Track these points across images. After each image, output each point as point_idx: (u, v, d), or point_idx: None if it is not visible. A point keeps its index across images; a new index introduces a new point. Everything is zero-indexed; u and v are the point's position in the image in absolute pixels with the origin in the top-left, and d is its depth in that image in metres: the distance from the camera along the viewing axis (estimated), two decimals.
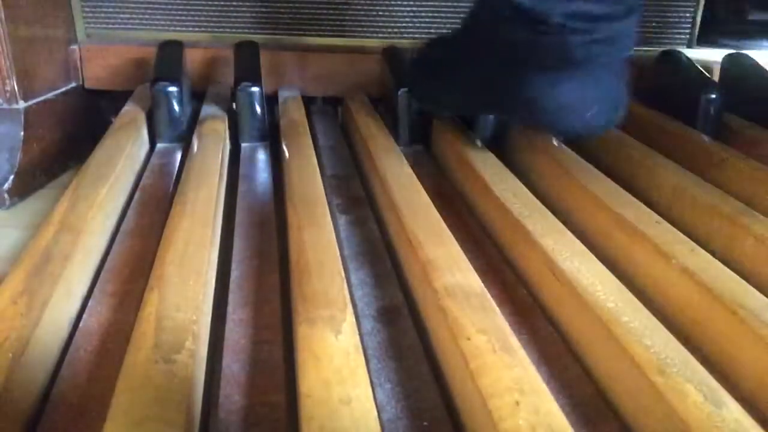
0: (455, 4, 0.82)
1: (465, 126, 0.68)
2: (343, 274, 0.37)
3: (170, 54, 0.73)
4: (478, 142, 0.63)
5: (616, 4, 0.51)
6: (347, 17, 0.82)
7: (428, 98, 0.67)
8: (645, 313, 0.34)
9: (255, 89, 0.67)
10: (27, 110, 0.61)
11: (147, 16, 0.79)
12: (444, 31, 0.84)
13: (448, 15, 0.83)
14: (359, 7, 0.81)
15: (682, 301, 0.39)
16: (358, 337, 0.31)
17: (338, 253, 0.39)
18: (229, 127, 0.67)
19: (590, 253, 0.40)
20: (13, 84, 0.60)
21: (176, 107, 0.66)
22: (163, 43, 0.75)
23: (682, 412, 0.27)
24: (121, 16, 0.79)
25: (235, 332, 0.36)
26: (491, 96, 0.59)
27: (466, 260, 0.39)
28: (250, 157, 0.64)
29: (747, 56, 0.78)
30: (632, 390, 0.31)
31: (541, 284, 0.41)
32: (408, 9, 0.82)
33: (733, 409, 0.27)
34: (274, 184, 0.58)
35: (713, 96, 0.69)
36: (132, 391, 0.27)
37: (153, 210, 0.51)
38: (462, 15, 0.83)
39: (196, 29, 0.81)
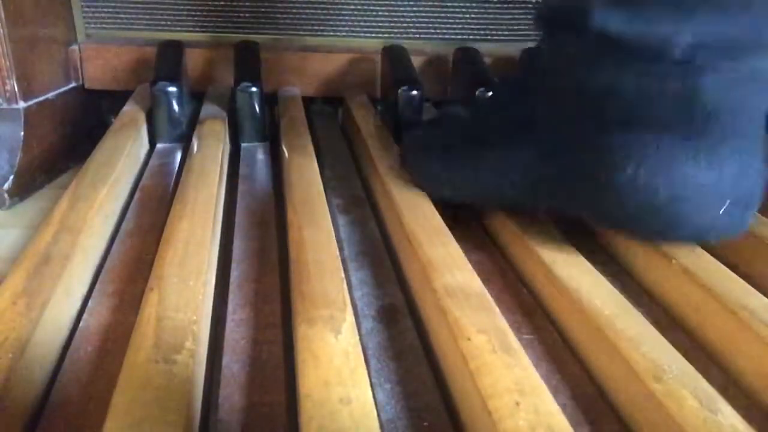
0: (456, 3, 0.82)
1: None
2: (342, 274, 0.37)
3: (170, 54, 0.73)
4: None
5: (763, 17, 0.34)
6: (347, 17, 0.82)
7: (440, 183, 0.47)
8: (641, 320, 0.34)
9: (255, 89, 0.67)
10: (27, 110, 0.61)
11: (147, 16, 0.79)
12: (445, 30, 0.84)
13: (449, 14, 0.83)
14: (359, 7, 0.81)
15: (682, 302, 0.39)
16: (357, 338, 0.31)
17: (338, 253, 0.39)
18: (229, 127, 0.67)
19: (587, 262, 0.40)
20: (13, 84, 0.60)
21: (176, 107, 0.66)
22: (163, 43, 0.75)
23: (679, 418, 0.27)
24: (121, 16, 0.79)
25: (235, 332, 0.36)
26: (555, 183, 0.40)
27: (466, 260, 0.39)
28: (250, 157, 0.64)
29: None
30: (629, 396, 0.31)
31: (538, 290, 0.41)
32: (408, 9, 0.82)
33: (729, 415, 0.27)
34: (274, 184, 0.58)
35: None
36: (132, 391, 0.27)
37: (153, 210, 0.51)
38: (463, 14, 0.83)
39: (196, 29, 0.81)
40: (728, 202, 0.36)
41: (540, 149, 0.40)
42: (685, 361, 0.31)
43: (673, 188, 0.35)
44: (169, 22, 0.80)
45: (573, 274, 0.39)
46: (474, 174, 0.44)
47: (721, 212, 0.36)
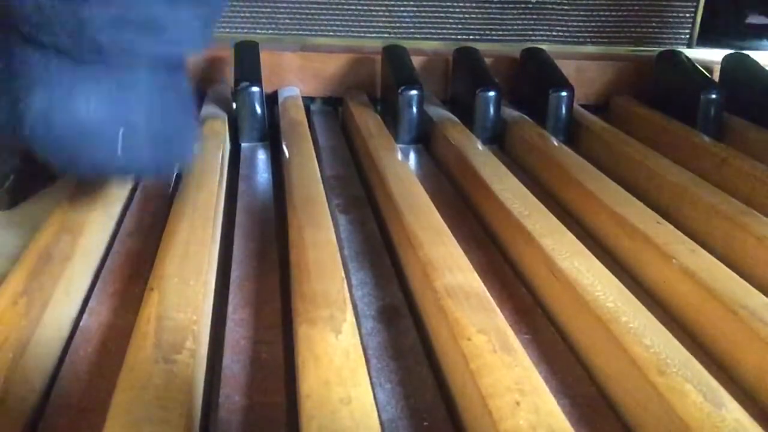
0: (456, 3, 0.82)
1: (465, 126, 0.68)
2: (343, 274, 0.37)
3: None
4: (478, 142, 0.63)
5: None
6: (347, 17, 0.82)
7: None
8: (645, 312, 0.34)
9: (255, 89, 0.67)
10: None
11: None
12: (445, 30, 0.84)
13: (449, 14, 0.83)
14: (359, 7, 0.82)
15: (682, 302, 0.39)
16: (358, 338, 0.31)
17: (338, 253, 0.39)
18: (229, 127, 0.67)
19: (589, 253, 0.40)
20: None
21: None
22: None
23: (682, 411, 0.27)
24: None
25: (236, 332, 0.36)
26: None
27: (467, 260, 0.39)
28: (250, 157, 0.64)
29: (747, 56, 0.78)
30: (632, 390, 0.31)
31: (540, 284, 0.41)
32: (408, 9, 0.82)
33: (733, 409, 0.27)
34: (274, 184, 0.58)
35: (713, 96, 0.69)
36: (132, 391, 0.27)
37: (153, 210, 0.51)
38: (463, 14, 0.83)
39: None
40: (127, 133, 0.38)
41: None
42: (689, 354, 0.31)
43: (66, 128, 0.36)
44: None
45: (575, 265, 0.38)
46: None
47: (118, 145, 0.38)
